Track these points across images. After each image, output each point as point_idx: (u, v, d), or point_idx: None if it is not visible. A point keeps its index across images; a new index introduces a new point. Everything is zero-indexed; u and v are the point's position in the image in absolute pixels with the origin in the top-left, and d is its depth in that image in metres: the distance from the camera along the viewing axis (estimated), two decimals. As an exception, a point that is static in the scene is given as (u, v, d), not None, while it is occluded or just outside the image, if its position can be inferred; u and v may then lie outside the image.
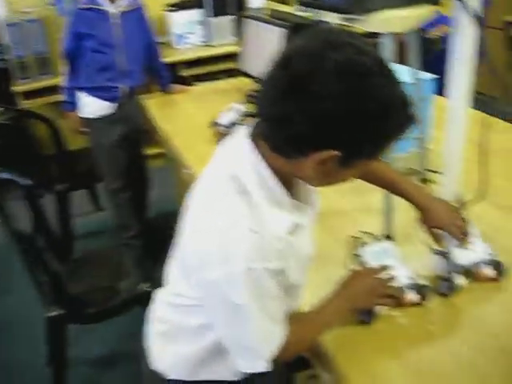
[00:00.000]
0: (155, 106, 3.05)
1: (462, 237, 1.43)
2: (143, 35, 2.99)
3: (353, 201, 1.88)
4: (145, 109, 3.06)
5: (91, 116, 2.94)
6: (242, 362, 1.08)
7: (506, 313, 1.37)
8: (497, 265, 1.44)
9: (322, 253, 1.59)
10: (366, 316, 1.32)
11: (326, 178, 0.99)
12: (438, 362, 1.24)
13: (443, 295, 1.41)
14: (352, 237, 1.43)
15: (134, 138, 3.14)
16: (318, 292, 1.28)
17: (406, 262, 1.51)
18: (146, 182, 3.41)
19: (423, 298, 1.37)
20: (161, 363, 1.26)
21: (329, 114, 0.88)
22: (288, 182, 1.03)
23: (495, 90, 5.02)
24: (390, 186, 1.44)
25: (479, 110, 1.76)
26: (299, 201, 1.07)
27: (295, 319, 1.16)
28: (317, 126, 0.89)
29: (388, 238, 1.63)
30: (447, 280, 1.41)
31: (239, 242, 0.96)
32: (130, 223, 3.21)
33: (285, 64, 0.92)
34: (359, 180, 1.91)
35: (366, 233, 1.46)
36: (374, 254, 1.38)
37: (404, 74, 1.76)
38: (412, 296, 1.36)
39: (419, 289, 1.37)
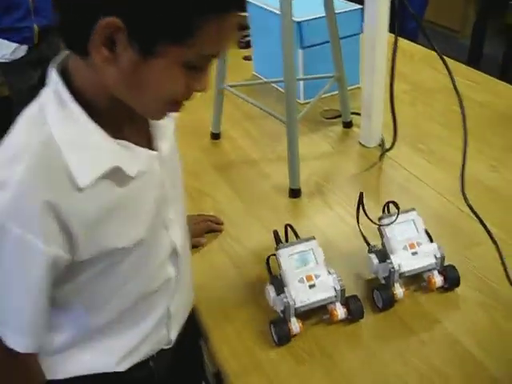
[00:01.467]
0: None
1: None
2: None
3: (263, 149, 1.70)
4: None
5: (4, 61, 2.69)
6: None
7: (458, 334, 1.07)
8: (448, 271, 1.16)
9: (223, 214, 1.43)
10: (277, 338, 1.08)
11: (131, 77, 0.74)
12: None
13: (378, 309, 1.14)
14: (274, 231, 1.19)
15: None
16: (195, 274, 1.10)
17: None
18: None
19: (354, 312, 1.10)
20: None
21: None
22: (114, 116, 0.80)
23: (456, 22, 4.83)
24: None
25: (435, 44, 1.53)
26: (138, 143, 0.84)
27: None
28: None
29: (293, 191, 1.46)
30: (384, 290, 1.13)
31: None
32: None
33: None
34: (270, 125, 1.76)
35: (289, 227, 1.21)
36: (294, 259, 1.11)
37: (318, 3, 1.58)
38: (340, 311, 1.09)
39: (347, 301, 1.11)
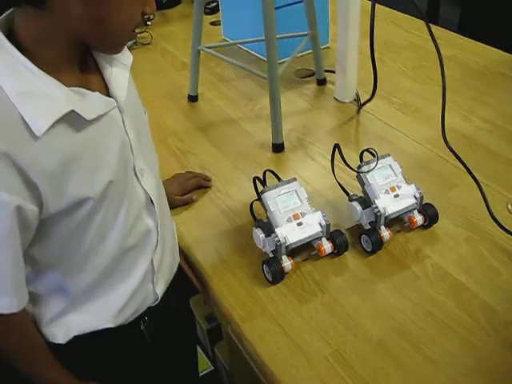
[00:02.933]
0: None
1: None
2: None
3: (240, 109, 1.74)
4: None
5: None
6: None
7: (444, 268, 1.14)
8: (427, 208, 1.22)
9: (209, 171, 1.46)
10: (271, 276, 1.13)
11: (96, 12, 0.77)
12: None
13: (365, 251, 1.19)
14: (255, 177, 1.23)
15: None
16: (191, 229, 1.15)
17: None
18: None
19: (340, 245, 1.17)
20: None
21: None
22: (66, 67, 0.82)
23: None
24: None
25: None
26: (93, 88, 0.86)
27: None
28: None
29: (277, 146, 1.50)
30: (372, 233, 1.17)
31: None
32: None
33: None
34: (245, 86, 1.81)
35: (270, 172, 1.25)
36: (280, 200, 1.16)
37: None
38: (326, 246, 1.15)
39: (332, 236, 1.17)
